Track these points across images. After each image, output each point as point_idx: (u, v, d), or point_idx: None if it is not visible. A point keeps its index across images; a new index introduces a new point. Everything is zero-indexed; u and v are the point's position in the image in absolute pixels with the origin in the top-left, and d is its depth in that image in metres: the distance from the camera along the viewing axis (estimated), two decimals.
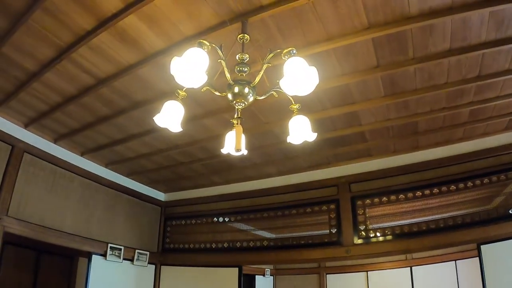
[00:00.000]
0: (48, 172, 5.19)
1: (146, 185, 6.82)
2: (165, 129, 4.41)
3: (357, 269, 10.32)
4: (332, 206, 5.50)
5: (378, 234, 5.17)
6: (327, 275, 10.64)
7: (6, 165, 4.67)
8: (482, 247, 4.66)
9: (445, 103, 4.21)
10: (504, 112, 4.44)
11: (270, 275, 10.95)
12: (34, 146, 4.99)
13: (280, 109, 4.15)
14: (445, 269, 9.24)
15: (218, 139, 4.71)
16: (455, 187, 4.97)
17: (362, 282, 10.32)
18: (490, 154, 4.88)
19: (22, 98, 4.22)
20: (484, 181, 4.87)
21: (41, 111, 4.52)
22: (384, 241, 5.11)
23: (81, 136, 5.06)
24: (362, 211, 5.30)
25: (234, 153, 2.71)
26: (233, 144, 2.44)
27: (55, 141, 5.24)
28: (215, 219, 6.53)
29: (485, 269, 4.64)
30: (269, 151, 5.28)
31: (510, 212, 4.63)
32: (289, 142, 2.72)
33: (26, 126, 4.87)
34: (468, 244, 5.07)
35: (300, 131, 2.57)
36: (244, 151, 2.61)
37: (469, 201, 4.94)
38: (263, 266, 10.49)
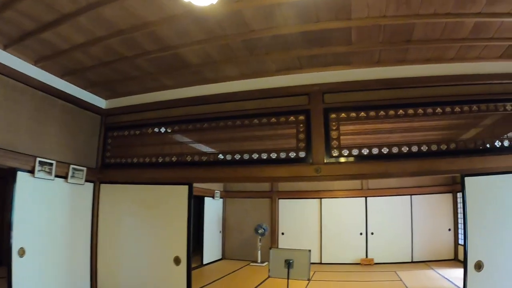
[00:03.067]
0: None
1: (84, 89, 5.76)
2: (104, 8, 3.52)
3: (311, 196, 10.56)
4: (301, 117, 4.74)
5: (353, 153, 4.50)
6: (279, 200, 10.48)
7: None
8: (466, 179, 4.41)
9: (452, 7, 3.57)
10: (507, 35, 4.05)
11: (220, 198, 10.64)
12: None
13: None
14: (400, 202, 10.08)
15: (172, 22, 3.86)
16: (441, 110, 4.56)
17: (315, 208, 10.51)
18: (481, 81, 4.56)
19: None
20: (473, 108, 4.57)
21: None
22: (360, 161, 4.49)
23: None
24: (336, 125, 4.59)
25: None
26: None
27: None
28: (164, 129, 5.63)
29: (467, 201, 4.39)
30: (233, 44, 4.34)
31: (497, 145, 4.46)
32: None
33: None
34: (452, 173, 4.82)
35: None
36: None
37: (455, 127, 4.72)
38: (213, 188, 10.08)
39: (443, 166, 4.42)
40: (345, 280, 8.12)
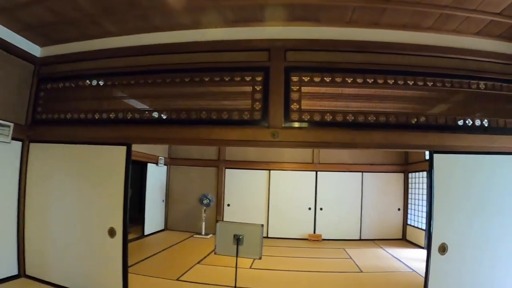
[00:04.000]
0: None
1: (17, 32, 4.98)
2: None
3: (259, 166, 10.34)
4: (259, 75, 4.17)
5: (315, 118, 4.00)
6: (226, 170, 10.24)
7: None
8: (436, 156, 4.22)
9: None
10: (490, 9, 3.87)
11: (164, 165, 10.17)
12: None
13: None
14: (351, 178, 10.37)
15: None
16: (413, 81, 4.27)
17: (263, 180, 10.29)
18: (456, 55, 4.38)
19: None
20: (445, 83, 4.34)
21: None
22: (323, 128, 4.02)
23: None
24: (298, 87, 4.07)
25: None
26: None
27: None
28: (103, 82, 4.90)
29: (435, 180, 4.16)
30: None
31: (468, 123, 4.33)
32: None
33: None
34: (421, 149, 4.54)
35: None
36: None
37: (426, 101, 4.38)
38: (157, 153, 9.57)
39: (412, 140, 4.13)
40: (295, 256, 7.86)
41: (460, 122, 4.35)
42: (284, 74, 4.07)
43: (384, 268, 7.06)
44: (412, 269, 7.01)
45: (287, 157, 10.26)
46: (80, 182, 4.83)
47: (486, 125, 4.47)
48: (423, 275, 6.37)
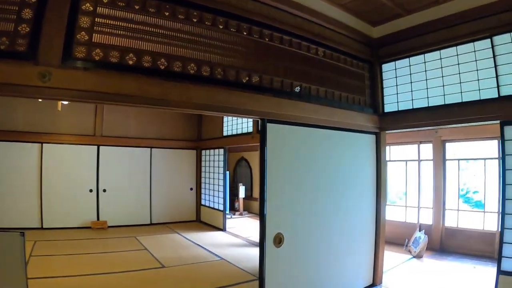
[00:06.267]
0: None
1: None
2: None
3: (28, 138, 8.15)
4: None
5: (113, 59, 2.68)
6: None
7: None
8: (269, 125, 3.46)
9: None
10: None
11: None
12: None
13: None
14: (139, 154, 9.27)
15: None
16: (247, 31, 3.44)
17: (34, 156, 8.21)
18: (300, 12, 3.82)
19: None
20: (284, 39, 3.69)
21: None
22: (124, 73, 2.71)
23: None
24: (91, 9, 2.66)
25: None
26: None
27: None
28: None
29: (268, 158, 3.43)
30: None
31: (306, 90, 3.81)
32: None
33: None
34: (254, 115, 3.45)
35: None
36: None
37: (262, 57, 3.57)
38: None
39: (243, 103, 3.27)
40: (79, 253, 6.14)
41: (297, 89, 3.74)
42: None
43: (189, 259, 6.14)
44: (220, 256, 6.39)
45: (64, 127, 8.48)
46: None
47: (323, 96, 3.98)
48: (235, 263, 5.98)
